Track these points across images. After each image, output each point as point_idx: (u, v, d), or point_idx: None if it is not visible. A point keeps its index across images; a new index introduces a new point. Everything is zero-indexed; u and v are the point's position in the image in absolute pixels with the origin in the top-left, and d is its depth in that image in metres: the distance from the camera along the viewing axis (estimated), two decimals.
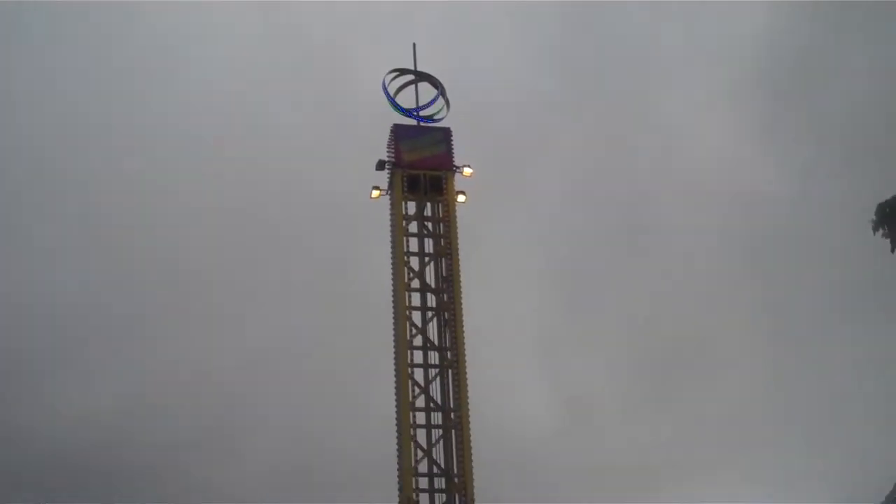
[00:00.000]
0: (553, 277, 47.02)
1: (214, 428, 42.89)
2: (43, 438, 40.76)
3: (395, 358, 24.21)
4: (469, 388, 23.83)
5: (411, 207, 25.84)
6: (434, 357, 24.57)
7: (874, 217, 14.72)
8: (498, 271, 40.20)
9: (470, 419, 23.50)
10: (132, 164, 45.66)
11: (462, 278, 24.91)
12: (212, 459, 42.86)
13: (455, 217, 25.62)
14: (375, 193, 25.95)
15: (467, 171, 25.99)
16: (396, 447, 23.37)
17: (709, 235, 47.85)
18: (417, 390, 24.02)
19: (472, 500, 22.83)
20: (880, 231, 14.71)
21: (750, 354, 46.59)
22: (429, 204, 25.96)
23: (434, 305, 25.05)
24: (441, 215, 25.78)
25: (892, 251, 14.77)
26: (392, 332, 24.62)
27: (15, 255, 45.06)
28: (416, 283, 25.20)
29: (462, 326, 24.49)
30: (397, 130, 26.12)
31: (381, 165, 25.93)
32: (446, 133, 26.33)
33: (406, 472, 23.02)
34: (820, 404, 45.07)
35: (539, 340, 46.01)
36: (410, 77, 27.08)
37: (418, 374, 24.23)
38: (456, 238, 25.40)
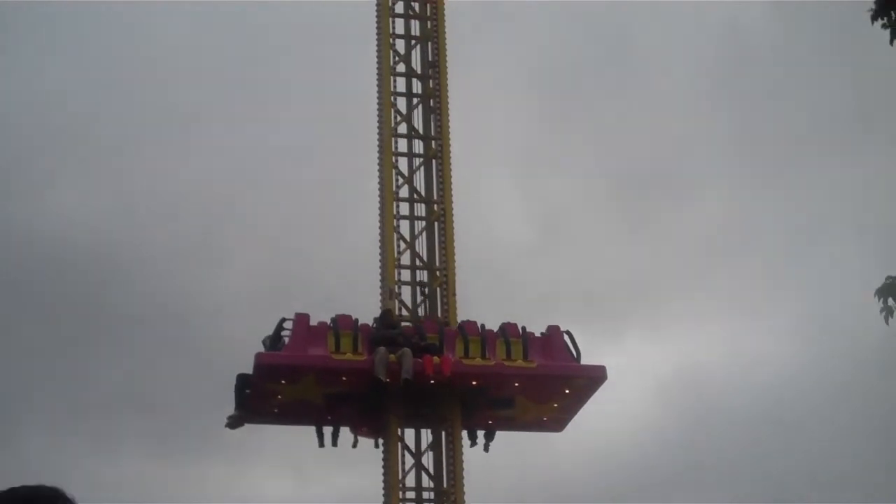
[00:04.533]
0: (534, 95, 46.22)
1: (199, 239, 42.88)
2: (34, 240, 40.83)
3: (379, 146, 23.38)
4: (452, 183, 23.18)
5: None
6: (418, 146, 23.71)
7: (873, 6, 13.41)
8: (480, 89, 39.24)
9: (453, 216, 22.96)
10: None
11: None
12: (195, 269, 43.05)
13: None
14: None
15: None
16: (379, 239, 22.86)
17: (687, 61, 46.96)
18: (401, 179, 23.32)
19: (454, 294, 22.42)
20: (879, 21, 13.43)
21: (726, 180, 46.42)
22: None
23: (419, 92, 24.00)
24: None
25: (891, 44, 13.54)
26: (376, 121, 23.66)
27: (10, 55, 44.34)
28: (401, 68, 24.11)
29: (448, 113, 23.57)
30: None
31: None
32: None
33: (389, 264, 22.55)
34: (792, 229, 45.03)
35: (517, 158, 45.70)
36: None
37: (402, 165, 23.47)
38: (443, 19, 24.11)
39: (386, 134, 23.36)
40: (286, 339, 21.14)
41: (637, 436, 42.19)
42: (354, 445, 22.07)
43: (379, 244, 23.05)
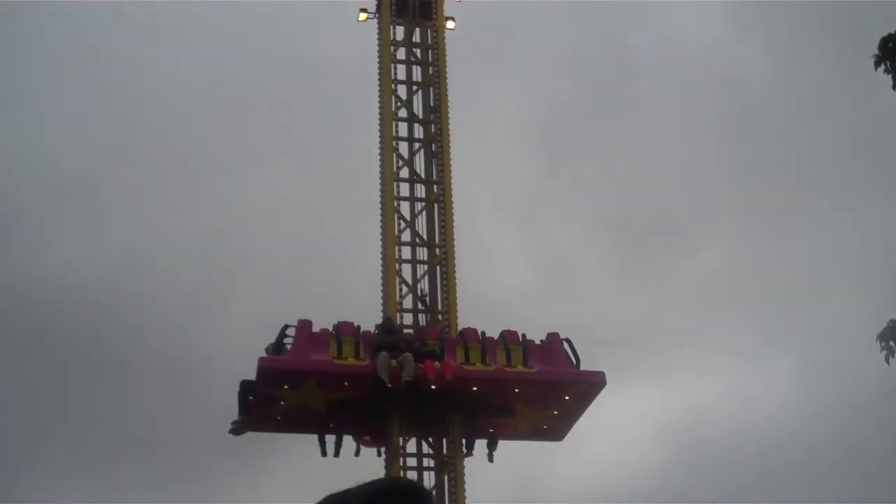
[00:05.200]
0: (536, 141, 46.51)
1: (201, 286, 43.00)
2: (37, 288, 40.94)
3: (381, 190, 23.50)
4: (454, 227, 23.30)
5: (399, 33, 24.76)
6: (420, 191, 23.86)
7: (877, 52, 13.60)
8: (482, 134, 39.54)
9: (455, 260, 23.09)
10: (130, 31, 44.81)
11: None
12: (200, 312, 43.13)
13: (444, 43, 24.50)
14: (363, 16, 24.76)
15: None
16: (381, 282, 22.94)
17: (689, 108, 47.31)
18: (403, 224, 23.44)
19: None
20: (881, 67, 13.61)
21: (727, 227, 46.61)
22: (418, 29, 24.81)
23: (421, 136, 24.19)
24: (430, 42, 24.66)
25: (894, 89, 13.70)
26: (378, 166, 23.82)
27: (19, 113, 44.74)
28: (403, 113, 24.31)
29: (449, 158, 23.72)
30: None
31: None
32: None
33: (391, 307, 22.60)
34: (794, 275, 45.12)
35: (520, 203, 45.85)
36: None
37: (404, 208, 23.60)
38: (445, 65, 24.34)
39: (388, 178, 23.51)
40: (289, 346, 21.36)
41: (638, 478, 42.07)
42: (357, 454, 22.23)
43: (381, 287, 23.13)
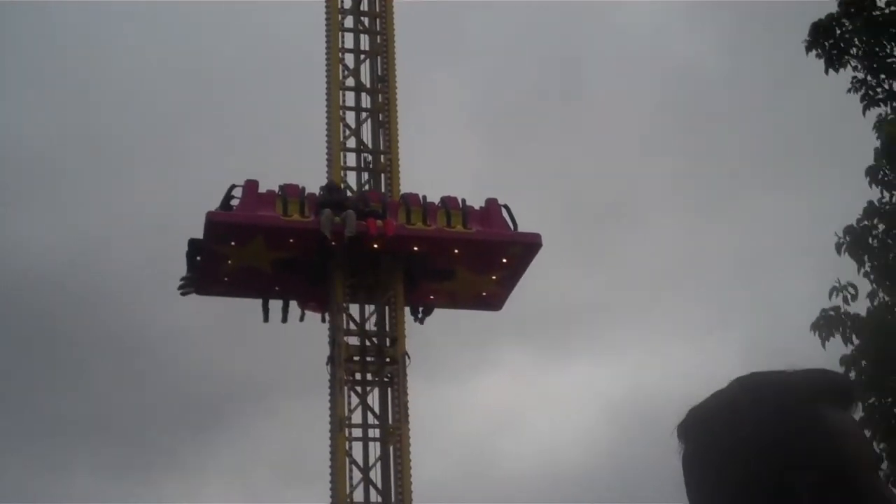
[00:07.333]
0: (486, 122, 46.58)
1: (153, 268, 42.93)
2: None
3: (328, 159, 23.35)
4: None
5: (347, 1, 24.54)
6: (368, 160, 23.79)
7: (807, 38, 13.65)
8: (431, 106, 39.47)
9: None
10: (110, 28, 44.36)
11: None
12: (150, 297, 42.98)
13: (392, 11, 24.32)
14: None
15: None
16: None
17: (642, 101, 47.63)
18: (350, 193, 23.36)
19: (402, 309, 22.37)
20: (813, 52, 13.65)
21: (675, 209, 47.07)
22: None
23: (368, 106, 24.03)
24: (378, 10, 24.46)
25: (826, 73, 13.77)
26: (325, 135, 23.61)
27: None
28: (350, 82, 24.12)
29: (396, 127, 23.59)
30: None
31: None
32: None
33: None
34: (735, 257, 45.58)
35: (468, 180, 46.02)
36: None
37: (351, 178, 23.57)
38: (393, 33, 24.15)
39: (335, 147, 23.33)
40: (235, 207, 21.65)
41: (585, 454, 42.34)
42: (301, 319, 22.65)
43: None
